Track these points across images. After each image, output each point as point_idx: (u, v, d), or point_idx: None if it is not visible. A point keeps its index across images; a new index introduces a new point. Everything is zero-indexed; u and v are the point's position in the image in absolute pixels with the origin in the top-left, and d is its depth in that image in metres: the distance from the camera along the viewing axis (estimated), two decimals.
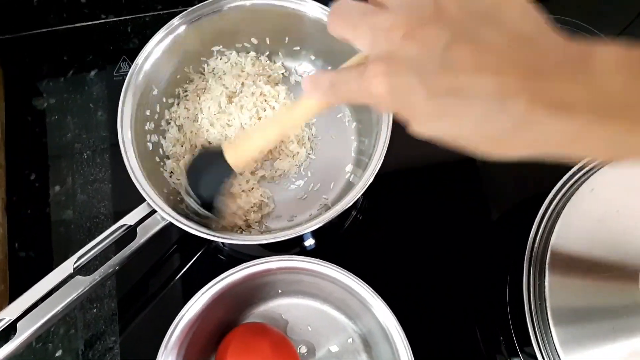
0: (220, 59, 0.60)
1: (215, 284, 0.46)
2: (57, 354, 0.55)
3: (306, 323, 0.54)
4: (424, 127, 0.29)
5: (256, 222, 0.56)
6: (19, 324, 0.45)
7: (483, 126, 0.27)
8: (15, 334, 0.45)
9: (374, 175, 0.50)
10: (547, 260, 0.48)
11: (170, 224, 0.50)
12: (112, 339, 0.56)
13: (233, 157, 0.46)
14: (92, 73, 0.66)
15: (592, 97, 0.25)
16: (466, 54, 0.26)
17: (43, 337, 0.56)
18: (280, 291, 0.54)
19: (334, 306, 0.54)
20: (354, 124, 0.61)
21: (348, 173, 0.59)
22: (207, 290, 0.46)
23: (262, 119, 0.57)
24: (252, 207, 0.56)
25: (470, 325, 0.57)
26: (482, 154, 0.28)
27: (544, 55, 0.26)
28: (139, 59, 0.52)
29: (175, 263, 0.59)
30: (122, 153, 0.49)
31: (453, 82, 0.26)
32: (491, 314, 0.57)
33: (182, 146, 0.57)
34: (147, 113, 0.55)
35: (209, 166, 0.48)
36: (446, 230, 0.60)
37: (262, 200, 0.57)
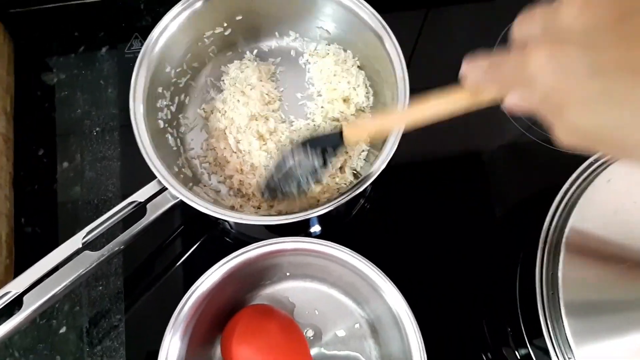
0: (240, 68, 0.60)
1: (226, 262, 0.46)
2: (61, 331, 0.55)
3: (313, 307, 0.54)
4: (579, 113, 0.25)
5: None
6: (25, 298, 0.45)
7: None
8: (20, 308, 0.45)
9: (385, 164, 0.49)
10: (561, 251, 0.48)
11: (181, 202, 0.49)
12: (117, 317, 0.55)
13: (353, 133, 0.47)
14: (103, 50, 0.65)
15: None
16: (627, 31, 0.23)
17: (47, 313, 0.55)
18: (288, 274, 0.53)
19: (342, 290, 0.53)
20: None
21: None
22: (217, 268, 0.46)
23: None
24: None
25: (479, 316, 0.56)
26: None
27: None
28: (155, 33, 0.52)
29: (183, 244, 0.58)
30: (133, 127, 0.49)
31: (626, 56, 0.23)
32: (501, 305, 0.57)
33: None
34: (160, 90, 0.54)
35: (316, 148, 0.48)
36: (456, 221, 0.59)
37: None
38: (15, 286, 0.45)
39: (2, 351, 0.55)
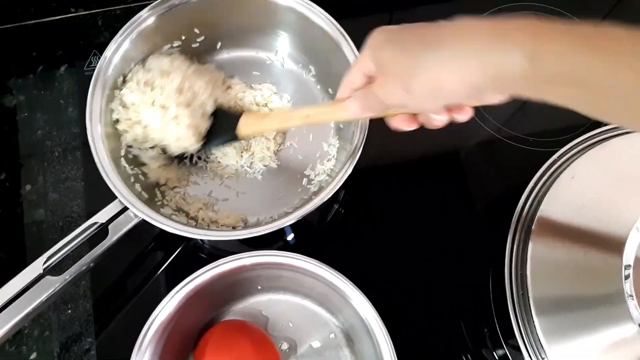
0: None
1: (189, 282, 0.45)
2: (31, 357, 0.54)
3: (287, 319, 0.53)
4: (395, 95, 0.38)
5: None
6: None
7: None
8: None
9: (352, 166, 0.49)
10: (528, 250, 0.48)
11: (144, 221, 0.48)
12: (89, 340, 0.54)
13: (247, 126, 0.51)
14: (62, 68, 0.64)
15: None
16: None
17: (17, 339, 0.54)
18: (259, 287, 0.53)
19: (316, 301, 0.53)
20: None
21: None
22: (181, 288, 0.45)
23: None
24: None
25: (454, 318, 0.56)
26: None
27: None
28: (108, 52, 0.51)
29: (153, 261, 0.58)
30: (91, 149, 0.48)
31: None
32: (475, 307, 0.56)
33: None
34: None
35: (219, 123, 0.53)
36: (428, 224, 0.59)
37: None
38: None
39: None
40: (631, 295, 0.43)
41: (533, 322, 0.46)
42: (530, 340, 0.47)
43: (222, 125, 0.52)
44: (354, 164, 0.49)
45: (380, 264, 0.57)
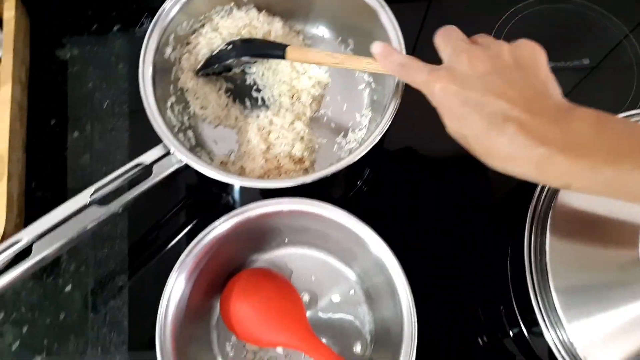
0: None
1: (229, 218, 0.48)
2: (66, 289, 0.57)
3: (310, 273, 0.56)
4: (451, 122, 0.40)
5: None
6: (34, 246, 0.47)
7: (484, 134, 0.38)
8: (30, 255, 0.47)
9: (382, 133, 0.51)
10: (548, 222, 0.49)
11: (185, 167, 0.52)
12: (122, 278, 0.57)
13: (293, 51, 0.55)
14: (115, 28, 0.68)
15: (563, 137, 0.35)
16: (497, 83, 0.38)
17: (54, 271, 0.58)
18: (286, 240, 0.55)
19: (339, 258, 0.55)
20: (367, 90, 0.62)
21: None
22: (221, 223, 0.48)
23: None
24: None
25: (473, 295, 0.57)
26: (477, 155, 0.40)
27: (543, 102, 0.38)
28: (167, 4, 0.55)
29: (187, 214, 0.61)
30: (140, 89, 0.51)
31: (479, 98, 0.38)
32: (494, 284, 0.58)
33: None
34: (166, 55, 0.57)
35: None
36: (450, 201, 0.61)
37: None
38: (26, 234, 0.47)
39: (9, 306, 0.57)
40: None
41: (552, 297, 0.47)
42: (549, 314, 0.48)
43: (271, 44, 0.57)
44: (384, 131, 0.51)
45: (401, 235, 0.58)
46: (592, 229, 0.49)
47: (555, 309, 0.47)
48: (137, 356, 0.55)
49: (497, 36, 0.65)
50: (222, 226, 0.48)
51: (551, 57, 0.63)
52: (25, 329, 0.56)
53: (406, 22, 0.54)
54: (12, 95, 0.58)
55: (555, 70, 0.40)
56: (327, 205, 0.49)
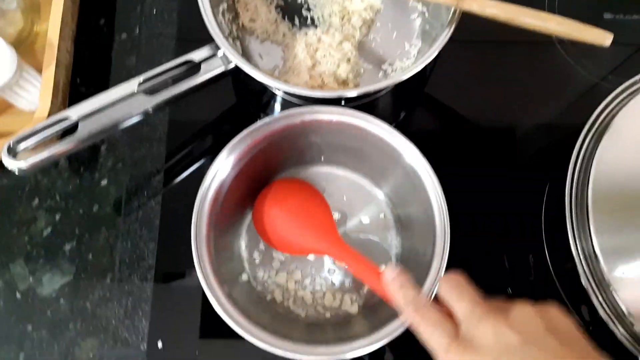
0: None
1: (267, 122, 0.48)
2: (102, 183, 0.58)
3: (342, 193, 0.56)
4: None
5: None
6: (80, 123, 0.48)
7: None
8: (75, 132, 0.48)
9: (433, 56, 0.51)
10: (591, 170, 0.48)
11: (232, 71, 0.52)
12: (157, 179, 0.58)
13: None
14: None
15: None
16: (535, 356, 0.32)
17: (91, 165, 0.59)
18: (322, 158, 0.56)
19: (374, 182, 0.55)
20: (420, 20, 0.61)
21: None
22: (260, 126, 0.48)
23: None
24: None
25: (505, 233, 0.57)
26: None
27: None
28: None
29: (229, 123, 0.61)
30: None
31: None
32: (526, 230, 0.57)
33: None
34: None
35: None
36: (485, 153, 0.60)
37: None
38: (74, 112, 0.48)
39: (44, 193, 0.58)
40: None
41: (592, 241, 0.46)
42: (588, 261, 0.47)
43: None
44: (431, 58, 0.50)
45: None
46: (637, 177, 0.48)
47: (595, 254, 0.46)
48: (165, 252, 0.55)
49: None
50: (272, 124, 0.48)
51: (611, 9, 0.63)
52: (58, 217, 0.57)
53: None
54: None
55: (613, 23, 0.37)
56: (365, 115, 0.48)
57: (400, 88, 0.57)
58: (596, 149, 0.49)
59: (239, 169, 0.48)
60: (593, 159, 0.48)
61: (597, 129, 0.51)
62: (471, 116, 0.62)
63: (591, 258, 0.47)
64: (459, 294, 0.37)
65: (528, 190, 0.58)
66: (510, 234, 0.57)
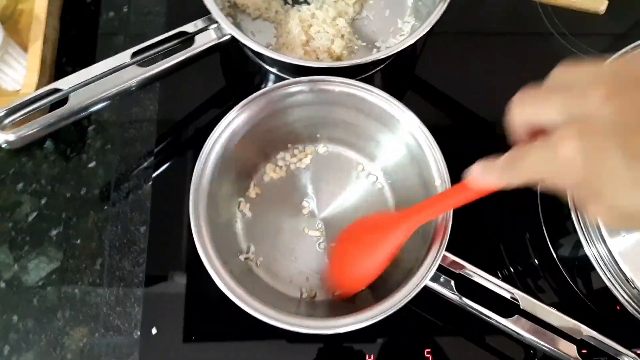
0: None
1: (265, 92, 0.47)
2: (90, 165, 0.56)
3: (337, 169, 0.55)
4: (620, 199, 0.26)
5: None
6: (71, 95, 0.46)
7: None
8: (65, 104, 0.46)
9: (425, 31, 0.50)
10: None
11: (226, 43, 0.50)
12: (148, 160, 0.56)
13: None
14: None
15: None
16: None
17: (78, 147, 0.56)
18: (318, 135, 0.54)
19: (370, 158, 0.54)
20: None
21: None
22: (259, 95, 0.47)
23: None
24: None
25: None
26: None
27: None
28: None
29: (218, 100, 0.59)
30: None
31: None
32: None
33: None
34: None
35: None
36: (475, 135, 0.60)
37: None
38: (64, 84, 0.46)
39: (30, 177, 0.55)
40: None
41: None
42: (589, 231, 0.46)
43: None
44: (423, 34, 0.50)
45: None
46: None
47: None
48: (158, 235, 0.53)
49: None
50: (273, 93, 0.47)
51: None
52: (43, 201, 0.55)
53: None
54: None
55: None
56: (360, 83, 0.48)
57: (391, 68, 0.57)
58: None
59: (245, 131, 0.47)
60: None
61: None
62: (465, 103, 0.61)
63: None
64: (548, 98, 0.28)
65: None
66: (508, 213, 0.56)
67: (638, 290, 0.44)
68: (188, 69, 0.51)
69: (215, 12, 0.49)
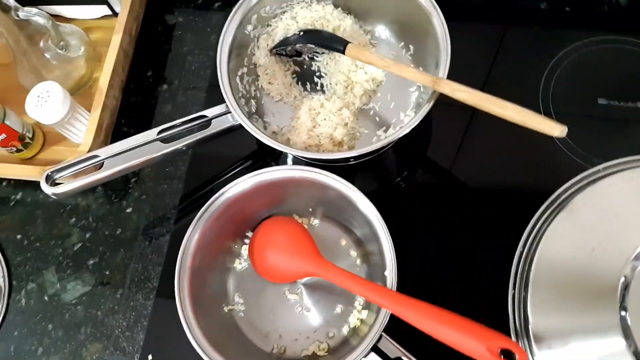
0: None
1: (254, 175, 0.57)
2: (127, 210, 0.68)
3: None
4: None
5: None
6: (106, 161, 0.58)
7: None
8: (101, 168, 0.58)
9: (414, 124, 0.57)
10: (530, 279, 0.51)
11: (238, 127, 0.60)
12: (172, 212, 0.67)
13: (353, 49, 0.62)
14: (216, 5, 0.79)
15: None
16: None
17: (120, 195, 0.69)
18: (310, 209, 0.62)
19: (342, 227, 0.62)
20: (417, 93, 0.68)
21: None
22: (248, 178, 0.57)
23: None
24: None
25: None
26: None
27: None
28: None
29: (239, 169, 0.70)
30: (217, 55, 0.62)
31: None
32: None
33: None
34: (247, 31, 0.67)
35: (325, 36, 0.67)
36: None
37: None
38: (102, 152, 0.58)
39: (81, 213, 0.69)
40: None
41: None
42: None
43: (335, 38, 0.65)
44: (412, 127, 0.56)
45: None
46: (573, 281, 0.50)
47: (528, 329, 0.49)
48: (168, 277, 0.64)
49: (550, 74, 0.68)
50: (241, 184, 0.57)
51: (605, 95, 0.66)
52: (88, 235, 0.68)
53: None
54: (120, 44, 0.70)
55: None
56: (326, 173, 0.56)
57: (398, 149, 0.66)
58: (550, 224, 0.52)
59: (231, 210, 0.58)
60: (544, 233, 0.52)
61: (557, 205, 0.54)
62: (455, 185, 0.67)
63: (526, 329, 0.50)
64: None
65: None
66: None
67: None
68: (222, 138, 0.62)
69: (230, 102, 0.60)
